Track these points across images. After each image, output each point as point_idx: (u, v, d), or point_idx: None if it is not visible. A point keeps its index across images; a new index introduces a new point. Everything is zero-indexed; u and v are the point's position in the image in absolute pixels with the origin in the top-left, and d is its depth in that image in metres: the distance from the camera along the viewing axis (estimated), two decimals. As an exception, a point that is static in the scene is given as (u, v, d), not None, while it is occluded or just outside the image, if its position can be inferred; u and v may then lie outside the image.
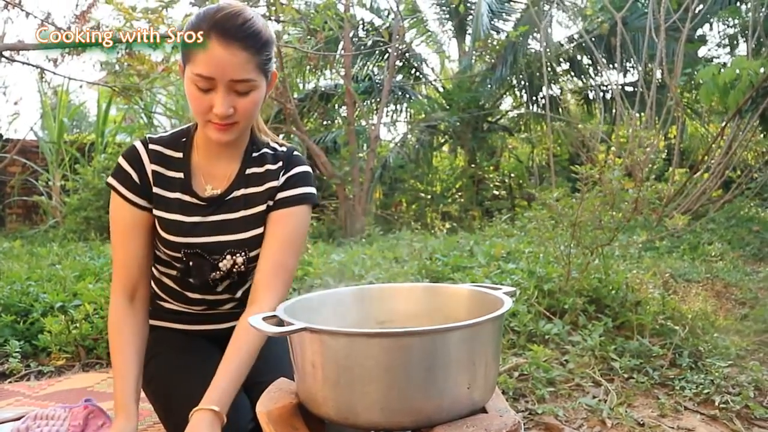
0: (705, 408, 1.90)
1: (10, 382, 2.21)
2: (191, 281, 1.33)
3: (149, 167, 1.26)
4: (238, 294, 1.39)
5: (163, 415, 1.26)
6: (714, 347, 2.32)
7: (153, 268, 1.41)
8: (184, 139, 1.31)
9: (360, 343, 0.88)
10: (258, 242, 1.28)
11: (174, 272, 1.34)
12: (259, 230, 1.29)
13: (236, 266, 1.30)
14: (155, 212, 1.27)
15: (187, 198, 1.27)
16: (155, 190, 1.26)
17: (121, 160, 1.27)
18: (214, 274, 1.30)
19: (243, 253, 1.29)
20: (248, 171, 1.31)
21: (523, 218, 4.40)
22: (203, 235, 1.27)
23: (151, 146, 1.28)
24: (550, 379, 2.06)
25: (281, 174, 1.31)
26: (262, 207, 1.29)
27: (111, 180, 1.26)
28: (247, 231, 1.28)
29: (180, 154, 1.29)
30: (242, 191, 1.29)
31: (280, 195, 1.29)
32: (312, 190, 1.32)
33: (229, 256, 1.28)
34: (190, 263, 1.28)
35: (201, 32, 1.11)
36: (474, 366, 0.92)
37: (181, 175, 1.28)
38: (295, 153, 1.36)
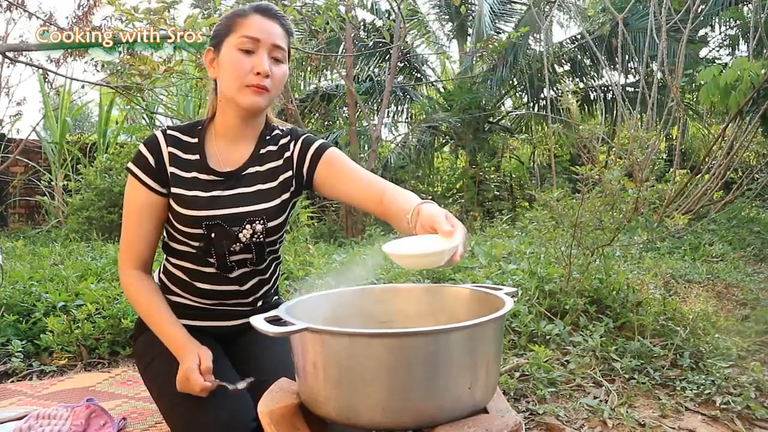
0: (706, 408, 1.91)
1: (13, 381, 2.22)
2: (209, 260, 1.36)
3: (165, 150, 1.35)
4: (247, 285, 1.41)
5: (167, 413, 1.27)
6: (715, 348, 2.32)
7: (166, 261, 1.44)
8: (199, 127, 1.40)
9: (361, 344, 0.88)
10: (275, 213, 1.36)
11: (193, 250, 1.36)
12: (276, 202, 1.37)
13: (255, 235, 1.36)
14: (173, 190, 1.33)
15: (203, 176, 1.35)
16: (171, 170, 1.34)
17: (141, 147, 1.36)
18: (234, 246, 1.35)
19: (262, 221, 1.35)
20: (262, 151, 1.41)
21: (524, 219, 4.40)
22: (222, 208, 1.33)
23: (169, 132, 1.38)
24: (551, 379, 2.06)
25: (292, 144, 1.43)
26: (287, 174, 1.40)
27: (130, 165, 1.36)
28: (264, 203, 1.36)
29: (195, 140, 1.38)
30: (257, 168, 1.38)
31: (310, 153, 1.40)
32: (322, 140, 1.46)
33: (248, 226, 1.34)
34: (212, 235, 1.33)
35: (244, 10, 1.32)
36: (475, 366, 0.92)
37: (196, 156, 1.36)
38: (294, 127, 1.51)
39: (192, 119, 1.46)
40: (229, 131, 1.38)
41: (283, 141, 1.43)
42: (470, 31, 9.70)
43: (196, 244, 1.34)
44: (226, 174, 1.36)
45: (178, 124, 1.43)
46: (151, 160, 1.34)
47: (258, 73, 1.27)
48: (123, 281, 1.38)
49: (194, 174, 1.35)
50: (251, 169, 1.38)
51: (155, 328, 1.33)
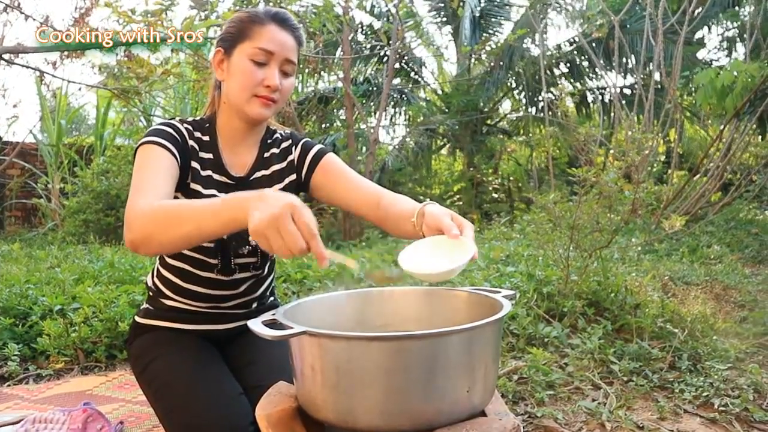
0: (704, 411, 1.91)
1: (9, 385, 2.21)
2: (212, 262, 1.34)
3: (189, 141, 1.32)
4: (244, 288, 1.41)
5: (163, 417, 1.26)
6: (713, 350, 2.33)
7: (159, 265, 1.43)
8: (207, 125, 1.38)
9: (359, 347, 0.88)
10: None
11: (195, 253, 1.34)
12: None
13: None
14: (192, 186, 1.31)
15: (217, 176, 1.34)
16: (193, 164, 1.32)
17: (163, 126, 1.29)
18: (243, 249, 1.36)
19: None
20: (266, 154, 1.42)
21: (522, 221, 4.41)
22: None
23: (185, 125, 1.34)
24: (549, 382, 2.06)
25: (293, 147, 1.45)
26: (291, 177, 1.42)
27: (149, 138, 1.24)
28: None
29: (207, 138, 1.36)
30: (263, 172, 1.40)
31: (309, 157, 1.43)
32: (320, 145, 1.48)
33: None
34: (225, 236, 1.29)
35: (260, 16, 1.29)
36: (473, 369, 0.92)
37: (210, 155, 1.35)
38: (293, 131, 1.52)
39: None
40: (233, 135, 1.37)
41: (284, 144, 1.45)
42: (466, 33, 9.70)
43: (205, 244, 1.32)
44: (237, 179, 1.36)
45: (184, 117, 1.39)
46: (179, 138, 1.28)
47: (268, 86, 1.27)
48: (141, 209, 1.07)
49: (209, 173, 1.34)
50: (258, 174, 1.39)
51: (209, 210, 1.01)
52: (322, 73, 9.13)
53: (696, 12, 6.77)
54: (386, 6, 8.80)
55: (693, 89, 7.26)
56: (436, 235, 1.11)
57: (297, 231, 0.89)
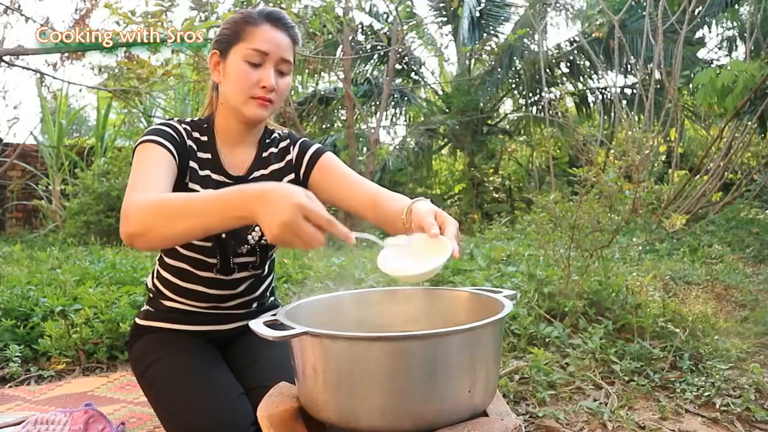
0: (706, 411, 1.90)
1: (11, 386, 2.21)
2: (211, 261, 1.35)
3: (187, 141, 1.33)
4: (243, 288, 1.42)
5: (164, 418, 1.26)
6: (714, 350, 2.32)
7: (159, 267, 1.43)
8: (206, 125, 1.38)
9: (361, 347, 0.88)
10: None
11: (193, 253, 1.34)
12: None
13: (263, 238, 1.37)
14: (190, 185, 1.31)
15: (215, 176, 1.35)
16: (191, 164, 1.32)
17: (161, 126, 1.30)
18: (241, 249, 1.36)
19: None
20: (264, 154, 1.42)
21: (523, 221, 4.41)
22: None
23: (184, 126, 1.35)
24: (550, 382, 2.06)
25: (291, 147, 1.45)
26: (290, 177, 1.42)
27: (148, 136, 1.25)
28: None
29: (206, 138, 1.37)
30: (261, 172, 1.40)
31: (307, 156, 1.43)
32: (319, 144, 1.48)
33: (258, 228, 1.35)
34: (222, 235, 1.32)
35: (254, 17, 1.29)
36: (475, 369, 0.92)
37: (209, 155, 1.35)
38: (291, 131, 1.52)
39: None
40: (231, 135, 1.38)
41: (282, 144, 1.45)
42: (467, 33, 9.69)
43: (203, 244, 1.33)
44: (235, 178, 1.36)
45: (182, 118, 1.41)
46: (177, 138, 1.29)
47: (264, 87, 1.27)
48: (140, 202, 1.05)
49: (207, 172, 1.34)
50: (257, 173, 1.39)
51: (208, 202, 0.99)
52: (322, 73, 9.14)
53: (696, 11, 6.77)
54: (386, 6, 8.80)
55: (693, 89, 7.25)
56: (418, 233, 1.11)
57: (313, 229, 0.90)
